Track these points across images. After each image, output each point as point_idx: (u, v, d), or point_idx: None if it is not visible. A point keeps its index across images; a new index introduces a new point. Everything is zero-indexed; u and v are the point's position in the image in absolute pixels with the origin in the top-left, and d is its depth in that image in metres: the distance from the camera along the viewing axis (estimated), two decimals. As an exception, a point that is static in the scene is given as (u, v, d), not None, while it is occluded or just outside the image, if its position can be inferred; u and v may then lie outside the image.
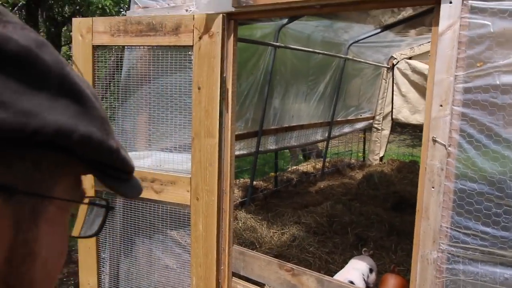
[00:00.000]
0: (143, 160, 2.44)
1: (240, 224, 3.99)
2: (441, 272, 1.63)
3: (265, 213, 4.38)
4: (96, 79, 2.53)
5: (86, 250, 2.57)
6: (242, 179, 5.93)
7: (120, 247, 2.56)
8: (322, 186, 5.96)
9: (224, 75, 2.20)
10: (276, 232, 3.86)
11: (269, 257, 2.22)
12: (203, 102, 2.22)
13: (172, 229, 2.40)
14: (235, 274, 2.32)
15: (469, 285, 1.58)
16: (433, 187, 1.68)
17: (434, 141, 1.69)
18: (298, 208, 4.62)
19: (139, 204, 2.45)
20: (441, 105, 1.68)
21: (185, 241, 2.34)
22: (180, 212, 2.33)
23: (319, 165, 7.04)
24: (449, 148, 1.67)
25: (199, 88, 2.22)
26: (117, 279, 2.59)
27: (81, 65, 2.50)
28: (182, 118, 2.36)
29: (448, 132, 1.66)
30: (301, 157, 8.49)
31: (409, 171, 6.59)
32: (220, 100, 2.19)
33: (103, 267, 2.60)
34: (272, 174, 5.83)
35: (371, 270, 2.83)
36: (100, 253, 2.57)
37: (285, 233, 3.84)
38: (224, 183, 2.26)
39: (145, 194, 2.38)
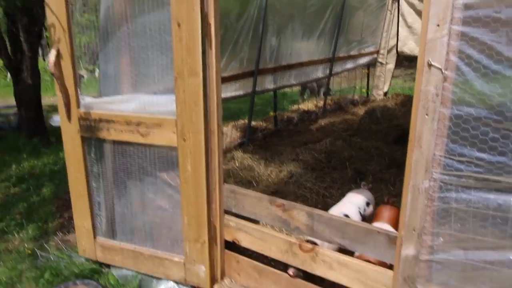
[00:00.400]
0: (127, 104, 2.34)
1: (237, 164, 3.96)
2: (433, 201, 1.57)
3: (263, 153, 4.34)
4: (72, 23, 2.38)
5: (78, 195, 2.57)
6: (242, 121, 5.85)
7: (113, 191, 2.55)
8: (323, 124, 5.88)
9: (205, 9, 2.04)
10: (273, 170, 3.83)
11: (259, 193, 2.19)
12: (184, 39, 2.07)
13: (162, 171, 2.36)
14: (227, 212, 2.31)
15: (461, 213, 1.52)
16: (427, 115, 1.57)
17: (430, 65, 1.56)
18: (297, 146, 4.56)
19: (128, 148, 2.39)
20: (438, 25, 1.53)
21: (176, 182, 2.31)
22: (168, 154, 2.28)
23: (321, 103, 6.91)
24: (445, 71, 1.54)
25: (178, 25, 2.07)
26: (112, 221, 2.60)
27: (54, 8, 2.33)
28: (165, 58, 2.23)
29: (445, 54, 1.53)
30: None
31: (413, 105, 6.43)
32: (202, 37, 2.05)
33: (99, 210, 2.62)
34: (272, 113, 5.73)
35: (368, 204, 2.81)
36: (92, 197, 2.56)
37: (282, 171, 3.81)
38: (211, 122, 2.17)
39: (131, 138, 2.31)
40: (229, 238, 2.34)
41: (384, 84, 7.47)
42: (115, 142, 2.43)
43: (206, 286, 2.38)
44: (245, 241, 2.28)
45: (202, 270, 2.35)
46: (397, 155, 4.21)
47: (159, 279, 2.51)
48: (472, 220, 1.50)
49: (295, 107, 7.15)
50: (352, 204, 2.73)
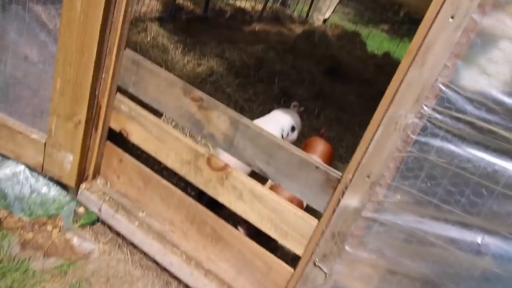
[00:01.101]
0: None
1: (149, 38, 3.18)
2: (407, 144, 1.15)
3: (183, 36, 3.58)
4: None
5: None
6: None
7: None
8: (257, 29, 5.21)
9: None
10: (191, 61, 3.17)
11: (173, 76, 1.58)
12: None
13: (37, 2, 1.56)
14: (121, 90, 1.67)
15: (438, 169, 1.12)
16: (452, 18, 1.05)
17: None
18: (225, 42, 3.88)
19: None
20: None
21: (54, 25, 1.56)
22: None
23: (259, 6, 6.15)
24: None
25: None
26: None
27: None
28: None
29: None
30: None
31: (349, 41, 6.12)
32: None
33: None
34: (204, -3, 4.82)
35: (293, 128, 2.40)
36: None
37: (202, 65, 3.17)
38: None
39: None
40: (116, 126, 1.72)
41: (327, 10, 6.97)
42: None
43: (69, 182, 1.77)
44: (137, 136, 1.69)
45: (69, 160, 1.71)
46: (326, 88, 3.86)
47: (4, 156, 1.82)
48: (448, 182, 1.14)
49: (230, 1, 6.28)
50: (277, 123, 2.29)
